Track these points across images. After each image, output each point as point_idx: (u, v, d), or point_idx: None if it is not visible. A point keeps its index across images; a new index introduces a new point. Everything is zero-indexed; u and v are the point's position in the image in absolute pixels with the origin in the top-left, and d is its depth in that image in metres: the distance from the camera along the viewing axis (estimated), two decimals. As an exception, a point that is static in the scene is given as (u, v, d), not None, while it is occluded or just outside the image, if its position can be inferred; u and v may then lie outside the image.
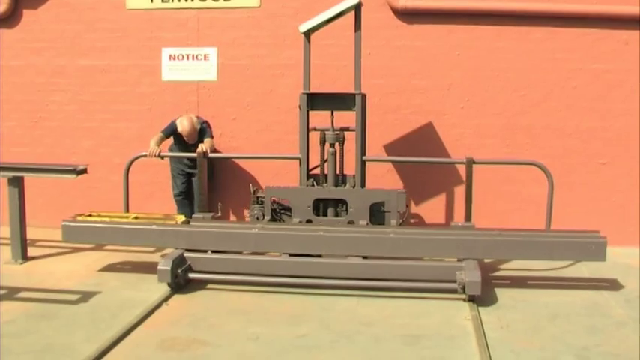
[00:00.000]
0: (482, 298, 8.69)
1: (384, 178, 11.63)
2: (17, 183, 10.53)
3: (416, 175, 11.85)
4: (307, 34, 10.15)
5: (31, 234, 10.84)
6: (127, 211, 10.56)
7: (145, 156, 10.75)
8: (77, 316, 8.21)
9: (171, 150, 11.50)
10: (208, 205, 10.84)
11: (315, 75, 10.87)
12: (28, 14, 12.83)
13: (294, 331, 7.86)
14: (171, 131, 11.31)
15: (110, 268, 10.14)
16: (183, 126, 11.17)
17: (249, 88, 12.39)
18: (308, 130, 10.25)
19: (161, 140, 11.07)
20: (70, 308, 8.49)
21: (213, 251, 9.47)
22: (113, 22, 12.67)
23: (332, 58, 11.67)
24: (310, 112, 10.24)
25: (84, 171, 10.33)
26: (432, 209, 12.05)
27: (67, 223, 9.73)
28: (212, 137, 11.37)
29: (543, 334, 7.81)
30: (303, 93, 10.16)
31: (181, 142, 11.41)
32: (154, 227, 9.54)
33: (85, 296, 8.90)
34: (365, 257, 9.22)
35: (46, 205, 12.45)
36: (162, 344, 7.40)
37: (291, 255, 9.28)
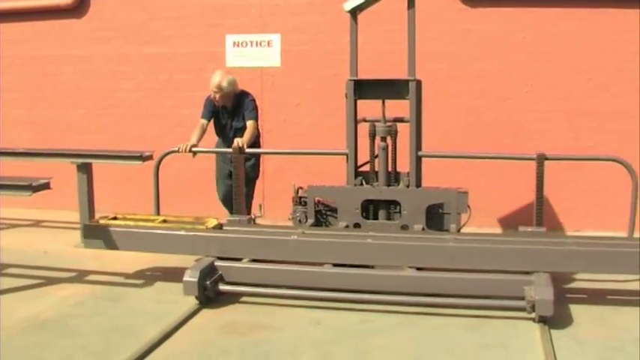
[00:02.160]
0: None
1: (441, 172, 8.51)
2: (85, 169, 8.38)
3: (478, 167, 8.98)
4: (353, 12, 7.17)
5: None
6: (158, 213, 7.80)
7: (177, 151, 7.91)
8: (142, 299, 6.92)
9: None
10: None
11: (377, 60, 8.74)
12: (95, 4, 10.64)
13: (355, 316, 6.32)
14: (209, 108, 8.30)
15: (176, 252, 8.32)
16: (212, 79, 8.16)
17: (312, 73, 9.92)
18: (356, 122, 7.31)
19: (202, 130, 8.13)
20: (136, 292, 7.17)
21: (252, 260, 6.75)
22: (177, 10, 10.37)
23: (395, 43, 8.66)
24: (359, 102, 7.32)
25: (149, 157, 8.05)
26: (495, 208, 9.29)
27: (89, 227, 7.13)
28: (256, 119, 8.26)
29: (608, 324, 6.08)
30: (350, 79, 7.22)
31: (220, 124, 8.41)
32: (181, 233, 6.84)
33: (150, 280, 7.44)
34: (419, 268, 6.35)
35: (114, 190, 10.10)
36: (225, 328, 6.12)
37: (335, 265, 6.44)
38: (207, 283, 6.35)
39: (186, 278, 6.32)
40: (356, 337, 5.87)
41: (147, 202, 9.04)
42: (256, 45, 10.06)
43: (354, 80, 7.17)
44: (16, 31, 10.87)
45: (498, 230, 9.09)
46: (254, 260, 6.71)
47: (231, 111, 8.20)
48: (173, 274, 7.37)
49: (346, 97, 7.23)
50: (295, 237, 6.57)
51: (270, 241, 6.62)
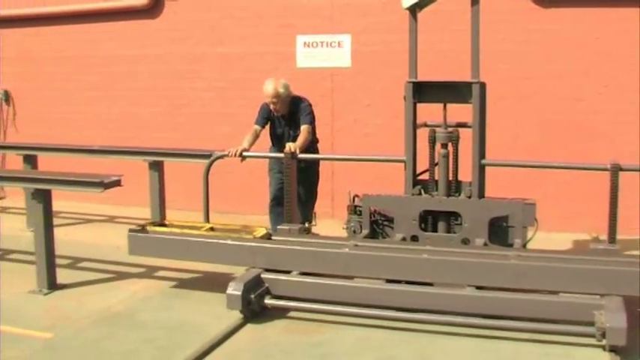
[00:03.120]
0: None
1: (507, 179, 7.55)
2: (157, 167, 8.72)
3: (547, 172, 7.86)
4: (413, 9, 6.25)
5: (170, 216, 8.48)
6: (207, 219, 6.95)
7: (227, 156, 7.09)
8: (209, 296, 6.39)
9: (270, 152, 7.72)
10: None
11: (446, 61, 8.05)
12: (168, 5, 10.07)
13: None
14: (264, 115, 7.43)
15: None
16: (266, 89, 7.22)
17: (382, 74, 8.96)
18: (415, 127, 6.32)
19: (255, 135, 7.29)
20: (203, 289, 6.65)
21: (301, 273, 5.82)
22: (249, 10, 9.69)
23: (466, 43, 7.82)
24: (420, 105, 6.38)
25: (220, 157, 7.43)
26: (565, 214, 8.18)
27: (134, 234, 6.32)
28: (310, 123, 7.28)
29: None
30: (409, 81, 6.26)
31: (277, 133, 7.52)
32: (228, 242, 5.97)
33: (218, 278, 6.73)
34: (479, 287, 5.33)
35: (185, 188, 9.33)
36: (288, 327, 5.68)
37: (388, 281, 5.50)
38: (252, 296, 5.51)
39: (229, 291, 5.53)
40: (415, 341, 5.32)
41: (216, 201, 8.50)
42: (326, 45, 9.31)
43: (413, 82, 6.22)
44: (93, 32, 10.53)
45: (568, 236, 7.95)
46: (303, 273, 5.78)
47: (288, 119, 7.30)
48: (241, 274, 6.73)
49: (405, 99, 6.28)
50: (347, 250, 5.66)
51: (320, 253, 5.72)
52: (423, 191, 6.38)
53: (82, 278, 6.94)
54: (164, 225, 6.57)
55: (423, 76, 6.46)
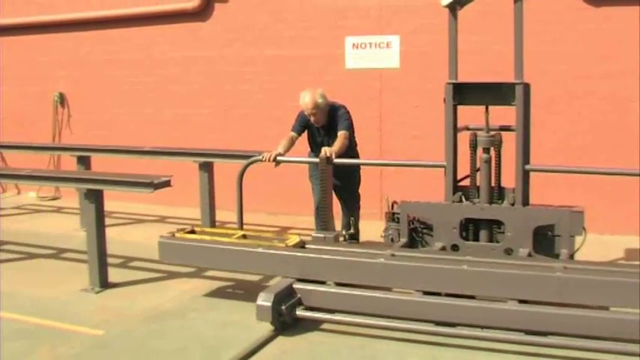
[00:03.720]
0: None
1: (555, 183, 7.13)
2: (207, 168, 8.57)
3: (597, 176, 7.18)
4: (452, 7, 5.66)
5: (221, 217, 8.64)
6: (241, 226, 6.52)
7: (261, 160, 6.63)
8: (256, 296, 5.65)
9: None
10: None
11: (496, 62, 7.35)
12: (219, 7, 9.80)
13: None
14: (302, 123, 7.00)
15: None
16: (303, 101, 6.81)
17: (431, 75, 8.27)
18: (456, 131, 5.78)
19: (291, 142, 6.84)
20: (250, 290, 6.31)
21: (336, 283, 5.37)
22: (299, 13, 9.40)
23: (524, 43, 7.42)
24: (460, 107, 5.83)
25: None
26: (614, 223, 7.58)
27: (164, 240, 6.01)
28: (347, 129, 6.77)
29: None
30: (449, 83, 5.70)
31: (316, 142, 7.06)
32: (259, 250, 5.58)
33: (266, 279, 6.55)
34: (522, 301, 4.81)
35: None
36: (327, 329, 5.40)
37: (426, 293, 5.03)
38: (283, 307, 5.13)
39: (259, 302, 5.15)
40: (452, 351, 4.96)
41: (267, 202, 8.94)
42: (375, 47, 8.94)
43: (454, 84, 5.67)
44: (146, 35, 10.42)
45: (620, 239, 7.39)
46: (339, 284, 5.35)
47: (327, 127, 6.86)
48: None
49: (444, 102, 5.76)
50: (383, 260, 5.19)
51: (355, 263, 5.27)
52: (463, 198, 5.85)
53: (132, 277, 6.91)
54: (194, 232, 6.20)
55: (474, 78, 5.93)
